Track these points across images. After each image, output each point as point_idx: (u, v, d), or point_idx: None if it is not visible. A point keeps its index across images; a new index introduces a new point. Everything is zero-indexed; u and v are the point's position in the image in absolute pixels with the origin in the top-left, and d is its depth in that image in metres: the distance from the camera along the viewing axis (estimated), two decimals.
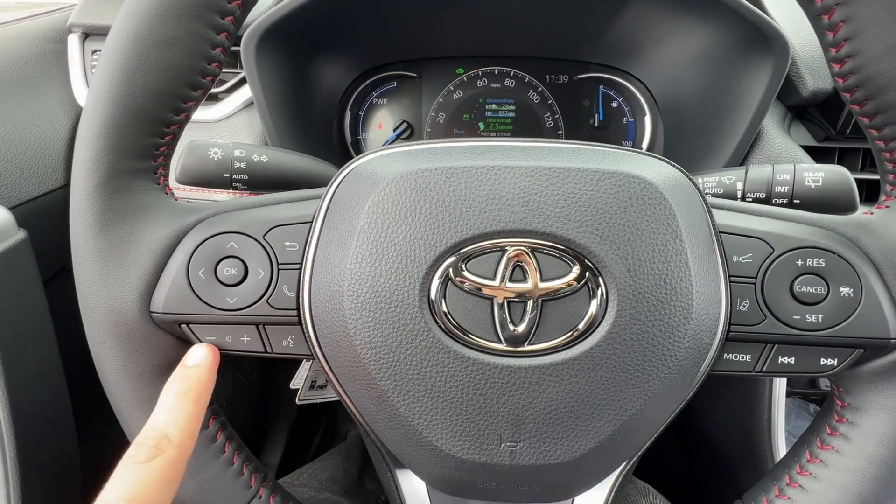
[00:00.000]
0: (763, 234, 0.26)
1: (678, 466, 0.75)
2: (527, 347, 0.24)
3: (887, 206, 0.26)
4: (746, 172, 0.36)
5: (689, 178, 0.26)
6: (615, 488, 0.30)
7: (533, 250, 0.23)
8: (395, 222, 0.24)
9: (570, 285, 0.23)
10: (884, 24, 0.22)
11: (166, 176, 0.28)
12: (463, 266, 0.24)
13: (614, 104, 0.62)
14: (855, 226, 0.26)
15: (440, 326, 0.24)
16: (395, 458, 0.30)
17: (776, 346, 0.26)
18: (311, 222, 0.26)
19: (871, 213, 0.27)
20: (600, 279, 0.24)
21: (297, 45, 0.50)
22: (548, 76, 0.63)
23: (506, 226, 0.23)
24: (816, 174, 0.33)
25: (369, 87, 0.63)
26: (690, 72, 0.52)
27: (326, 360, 0.26)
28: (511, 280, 0.24)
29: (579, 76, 0.62)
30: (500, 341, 0.24)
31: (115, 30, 0.24)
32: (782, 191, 0.34)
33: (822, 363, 0.26)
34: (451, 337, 0.24)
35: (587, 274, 0.23)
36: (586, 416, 0.24)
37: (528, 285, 0.23)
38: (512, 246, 0.23)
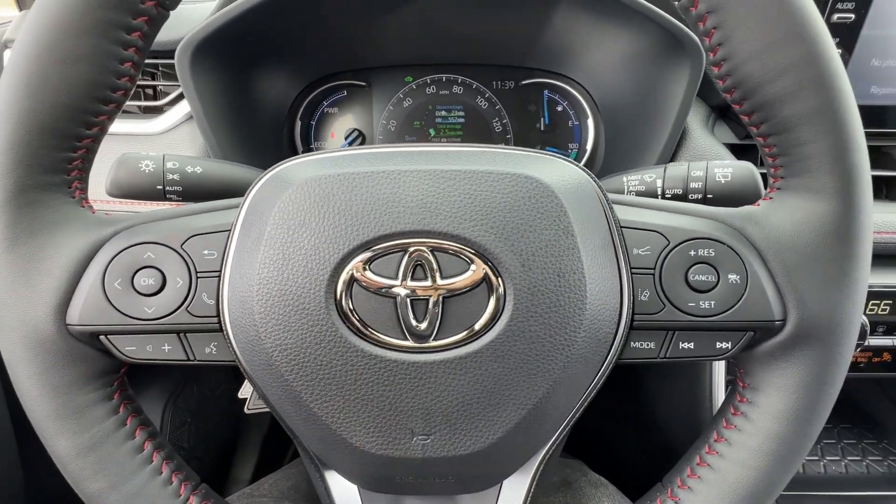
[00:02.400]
0: (659, 227, 0.28)
1: (636, 454, 0.77)
2: (431, 343, 0.25)
3: (771, 198, 0.28)
4: (665, 170, 0.38)
5: (591, 178, 0.28)
6: (537, 475, 0.31)
7: (433, 250, 0.25)
8: (300, 226, 0.25)
9: (469, 282, 0.25)
10: (748, 30, 0.24)
11: (83, 189, 0.28)
12: (367, 266, 0.25)
13: (559, 108, 0.64)
14: (742, 217, 0.28)
15: (347, 326, 0.25)
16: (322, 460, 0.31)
17: (676, 332, 0.28)
18: (230, 230, 0.27)
19: (758, 205, 0.29)
20: (497, 275, 0.25)
21: (235, 57, 0.51)
22: (494, 82, 0.65)
23: (405, 227, 0.24)
24: (726, 170, 0.36)
25: (319, 97, 0.64)
26: (620, 75, 0.54)
27: (246, 365, 0.27)
28: (413, 279, 0.25)
29: (524, 82, 0.64)
30: (405, 338, 0.25)
31: (19, 44, 0.24)
32: (697, 186, 0.36)
33: (717, 347, 0.28)
34: (358, 336, 0.25)
35: (484, 271, 0.25)
36: (492, 407, 0.25)
37: (428, 283, 0.25)
38: (412, 246, 0.25)
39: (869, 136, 0.60)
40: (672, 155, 0.51)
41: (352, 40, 0.58)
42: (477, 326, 0.25)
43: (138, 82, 0.56)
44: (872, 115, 0.51)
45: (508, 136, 0.65)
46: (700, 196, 0.36)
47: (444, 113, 0.65)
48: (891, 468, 0.63)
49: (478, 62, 0.63)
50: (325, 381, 0.25)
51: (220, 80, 0.50)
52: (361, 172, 0.25)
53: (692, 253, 0.27)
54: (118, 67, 0.25)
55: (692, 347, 0.28)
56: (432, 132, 0.65)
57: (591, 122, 0.63)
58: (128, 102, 0.57)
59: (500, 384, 0.25)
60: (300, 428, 0.27)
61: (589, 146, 0.64)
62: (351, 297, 0.25)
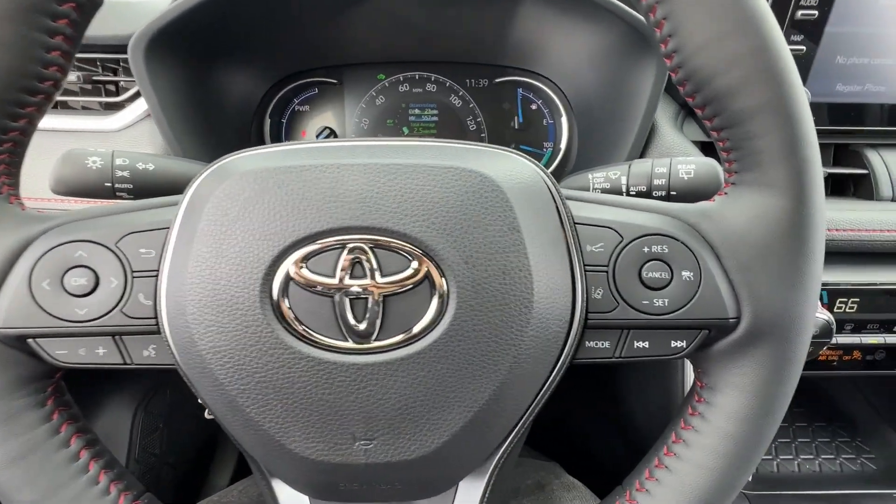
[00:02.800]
0: (613, 223, 0.27)
1: (615, 455, 0.76)
2: (372, 344, 0.24)
3: (726, 193, 0.27)
4: (630, 167, 0.37)
5: (542, 173, 0.27)
6: (492, 479, 0.30)
7: (372, 246, 0.24)
8: (234, 222, 0.24)
9: (410, 279, 0.24)
10: (697, 20, 0.23)
11: (13, 185, 0.27)
12: (303, 264, 0.24)
13: (533, 106, 0.63)
14: (696, 213, 0.27)
15: (284, 327, 0.24)
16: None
17: (631, 331, 0.27)
18: (169, 227, 0.26)
19: (713, 201, 0.28)
20: (439, 273, 0.24)
21: (195, 51, 0.49)
22: (468, 80, 0.64)
23: (343, 223, 0.23)
24: (689, 166, 0.35)
25: (290, 94, 0.63)
26: (589, 72, 0.54)
27: (184, 369, 0.26)
28: (352, 277, 0.24)
29: (498, 80, 0.63)
30: (345, 339, 0.24)
31: None
32: (660, 183, 0.36)
33: (672, 346, 0.27)
34: (295, 337, 0.24)
35: (425, 268, 0.24)
36: (437, 410, 0.24)
37: (367, 281, 0.24)
38: (351, 242, 0.24)
39: (835, 133, 0.60)
40: (641, 152, 0.51)
41: (321, 36, 0.57)
42: (419, 326, 0.24)
43: (99, 78, 0.55)
44: (838, 113, 0.51)
45: (483, 135, 0.65)
46: (664, 193, 0.36)
47: (417, 111, 0.64)
48: (863, 466, 0.63)
49: (451, 60, 0.63)
50: (261, 385, 0.24)
51: (179, 75, 0.49)
52: (298, 166, 0.24)
53: (645, 249, 0.26)
54: (45, 56, 0.24)
55: (647, 346, 0.27)
56: (406, 130, 0.64)
57: (564, 121, 0.62)
58: (88, 99, 0.56)
59: (445, 385, 0.24)
60: (240, 434, 0.26)
61: (563, 145, 0.63)
62: (287, 296, 0.24)
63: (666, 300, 0.26)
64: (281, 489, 0.31)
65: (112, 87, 0.55)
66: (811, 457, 0.63)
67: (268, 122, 0.62)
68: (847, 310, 0.49)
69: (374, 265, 0.24)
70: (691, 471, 0.28)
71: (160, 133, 0.48)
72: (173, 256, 0.25)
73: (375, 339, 0.24)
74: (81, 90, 0.54)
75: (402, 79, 0.63)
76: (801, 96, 0.24)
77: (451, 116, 0.64)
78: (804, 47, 0.48)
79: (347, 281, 0.24)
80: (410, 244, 0.24)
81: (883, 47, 0.48)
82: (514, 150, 0.27)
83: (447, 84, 0.64)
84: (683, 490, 0.28)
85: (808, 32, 0.48)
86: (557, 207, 0.26)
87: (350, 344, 0.24)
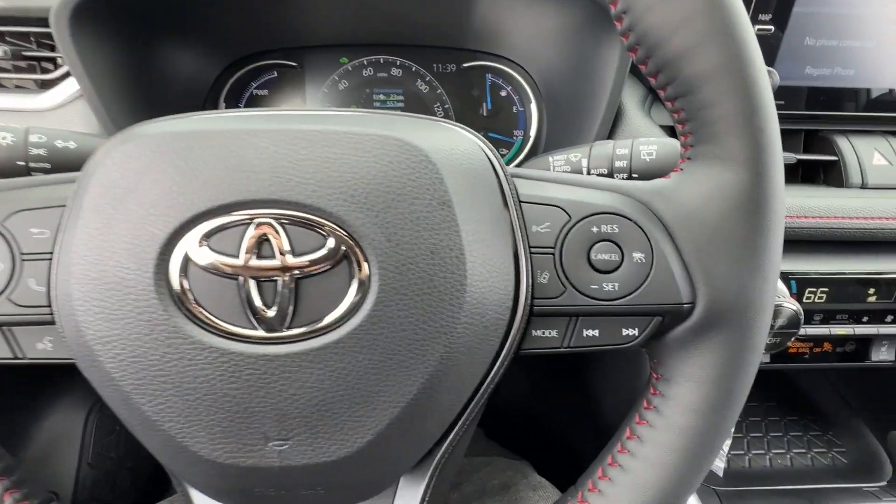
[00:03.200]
0: (560, 201, 0.25)
1: (590, 453, 0.75)
2: (284, 332, 0.21)
3: (681, 170, 0.26)
4: (591, 149, 0.35)
5: (484, 146, 0.25)
6: (432, 481, 0.28)
7: (283, 222, 0.21)
8: (127, 193, 0.21)
9: (325, 260, 0.21)
10: None
11: None
12: (205, 242, 0.21)
13: (503, 93, 0.61)
14: (649, 191, 0.25)
15: (183, 313, 0.21)
16: None
17: (579, 318, 0.25)
18: (66, 205, 0.23)
19: (669, 178, 0.26)
20: (360, 252, 0.21)
21: (131, 24, 0.46)
22: (435, 65, 0.61)
23: (249, 195, 0.21)
24: (650, 147, 0.33)
25: (247, 78, 0.60)
26: (554, 52, 0.52)
27: (80, 363, 0.23)
28: (260, 257, 0.21)
29: (466, 64, 0.61)
30: (253, 327, 0.21)
31: None
32: (622, 165, 0.34)
33: (624, 334, 0.25)
34: (196, 325, 0.21)
35: (343, 247, 0.21)
36: (359, 405, 0.22)
37: (275, 262, 0.21)
38: (258, 217, 0.21)
39: (805, 119, 0.59)
40: (608, 136, 0.49)
41: (277, 16, 0.54)
42: (336, 312, 0.21)
43: (34, 53, 0.51)
44: (808, 97, 0.50)
45: None
46: (625, 175, 0.34)
47: (382, 97, 0.62)
48: (834, 460, 0.62)
49: (416, 43, 0.60)
50: (158, 380, 0.21)
51: (114, 50, 0.45)
52: (201, 131, 0.21)
53: (595, 230, 0.24)
54: None
55: (597, 335, 0.25)
56: None
57: (534, 108, 0.60)
58: (20, 76, 0.52)
59: (367, 378, 0.22)
60: (139, 434, 0.23)
61: (533, 132, 0.61)
62: (187, 279, 0.21)
63: (616, 284, 0.24)
64: (198, 496, 0.28)
65: (50, 65, 0.51)
66: (783, 451, 0.63)
67: (223, 106, 0.59)
68: (816, 300, 0.48)
69: (285, 244, 0.21)
70: (645, 469, 0.26)
71: (94, 113, 0.45)
72: (66, 235, 0.22)
73: (287, 328, 0.21)
74: (14, 67, 0.50)
75: (365, 63, 0.61)
76: (757, 58, 0.22)
77: (418, 102, 0.61)
78: (772, 27, 0.47)
79: (253, 262, 0.21)
80: (326, 220, 0.21)
81: (851, 29, 0.47)
82: (457, 124, 0.25)
83: (413, 69, 0.61)
84: (637, 489, 0.26)
85: (776, 12, 0.46)
86: (501, 184, 0.24)
87: (259, 332, 0.21)
